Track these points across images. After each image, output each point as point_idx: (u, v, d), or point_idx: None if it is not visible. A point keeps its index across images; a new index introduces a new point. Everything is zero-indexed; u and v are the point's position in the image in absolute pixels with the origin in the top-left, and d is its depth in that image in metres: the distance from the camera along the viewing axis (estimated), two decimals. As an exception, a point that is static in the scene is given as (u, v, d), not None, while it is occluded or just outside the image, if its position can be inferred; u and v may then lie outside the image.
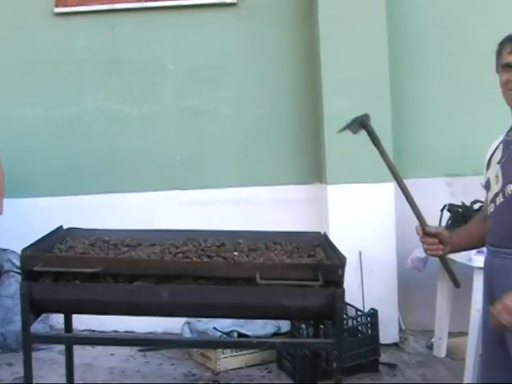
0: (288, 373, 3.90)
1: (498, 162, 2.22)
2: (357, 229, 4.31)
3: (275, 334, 4.08)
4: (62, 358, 3.39)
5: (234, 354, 4.03)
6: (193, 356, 4.20)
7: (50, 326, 4.52)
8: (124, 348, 4.28)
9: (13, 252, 4.44)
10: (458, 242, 2.38)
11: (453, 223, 4.00)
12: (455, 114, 4.65)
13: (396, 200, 4.24)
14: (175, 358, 4.24)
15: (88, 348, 4.22)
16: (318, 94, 4.49)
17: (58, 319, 4.37)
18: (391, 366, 4.02)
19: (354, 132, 2.35)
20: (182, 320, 4.20)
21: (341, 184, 4.34)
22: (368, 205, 4.33)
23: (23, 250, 2.62)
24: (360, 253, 4.32)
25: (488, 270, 2.29)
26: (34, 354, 2.69)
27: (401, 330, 4.51)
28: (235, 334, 4.01)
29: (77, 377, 3.41)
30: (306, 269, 2.55)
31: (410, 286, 4.47)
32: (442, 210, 4.10)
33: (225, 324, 4.04)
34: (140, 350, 4.31)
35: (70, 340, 3.12)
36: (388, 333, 4.31)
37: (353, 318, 4.00)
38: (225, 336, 3.98)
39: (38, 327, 3.95)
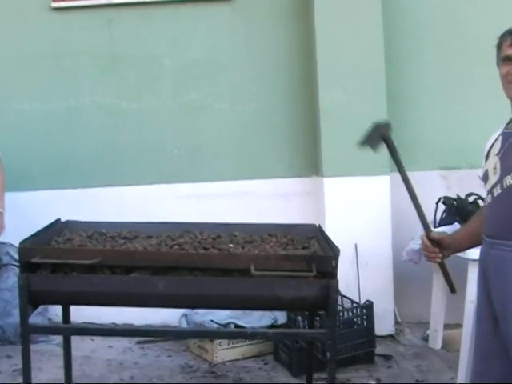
0: (284, 365, 3.93)
1: (497, 154, 2.24)
2: (353, 221, 4.34)
3: (272, 326, 4.10)
4: (61, 351, 3.40)
5: (231, 345, 4.06)
6: (190, 348, 4.23)
7: (49, 319, 4.53)
8: (122, 340, 4.32)
9: (11, 245, 4.44)
10: (458, 245, 2.45)
11: (447, 216, 4.04)
12: (451, 107, 4.66)
13: (392, 193, 4.28)
14: (172, 350, 4.27)
15: (86, 340, 4.25)
16: (314, 87, 4.49)
17: (56, 312, 4.41)
18: (387, 358, 4.05)
19: (374, 147, 2.35)
20: (180, 313, 4.23)
21: (337, 177, 4.36)
22: (364, 198, 4.35)
23: (21, 242, 2.64)
24: (356, 245, 4.35)
25: (483, 261, 2.31)
26: (33, 347, 2.70)
27: (396, 321, 4.54)
28: (232, 326, 4.03)
29: (75, 368, 3.45)
30: (300, 260, 2.57)
31: (406, 279, 4.49)
32: (437, 203, 4.13)
33: (222, 316, 4.07)
34: (138, 343, 4.34)
35: (67, 331, 3.13)
36: (384, 325, 4.33)
37: (348, 310, 4.03)
38: (221, 328, 4.00)
39: (36, 320, 3.96)
